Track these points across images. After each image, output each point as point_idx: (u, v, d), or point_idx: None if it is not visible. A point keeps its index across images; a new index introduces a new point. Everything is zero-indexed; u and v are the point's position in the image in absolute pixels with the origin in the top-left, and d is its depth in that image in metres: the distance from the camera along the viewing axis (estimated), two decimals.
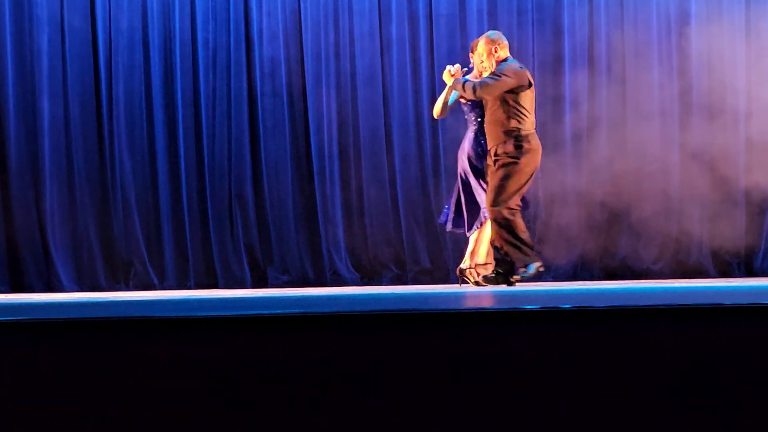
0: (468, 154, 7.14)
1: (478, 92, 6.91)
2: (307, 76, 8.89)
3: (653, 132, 8.64)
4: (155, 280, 8.77)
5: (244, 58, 8.90)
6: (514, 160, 6.92)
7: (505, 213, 6.90)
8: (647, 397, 2.52)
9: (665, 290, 5.25)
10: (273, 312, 2.82)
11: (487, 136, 7.03)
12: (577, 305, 2.71)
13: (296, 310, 2.86)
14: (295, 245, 8.84)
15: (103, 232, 8.77)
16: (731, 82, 8.61)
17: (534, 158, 6.99)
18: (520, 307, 2.72)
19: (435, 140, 8.85)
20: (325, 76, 8.89)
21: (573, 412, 2.52)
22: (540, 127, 8.65)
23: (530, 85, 7.01)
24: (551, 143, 8.24)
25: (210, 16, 8.89)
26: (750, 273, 8.56)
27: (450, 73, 7.09)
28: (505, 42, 7.09)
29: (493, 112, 6.97)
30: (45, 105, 8.70)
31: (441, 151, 8.80)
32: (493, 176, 6.95)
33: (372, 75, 8.88)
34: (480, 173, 7.10)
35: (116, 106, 8.79)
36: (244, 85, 8.89)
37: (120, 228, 8.77)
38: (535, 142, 7.01)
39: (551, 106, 8.69)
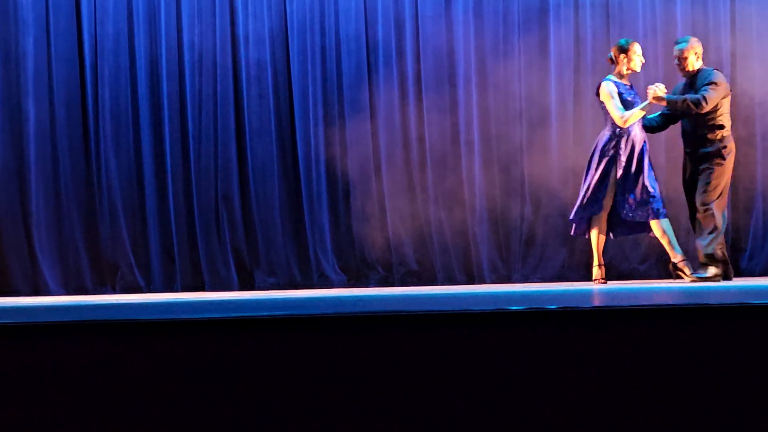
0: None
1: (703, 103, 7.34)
2: (294, 79, 8.88)
3: None
4: (142, 283, 8.74)
5: (230, 61, 8.88)
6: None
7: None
8: (634, 395, 2.53)
9: (651, 290, 5.26)
10: (260, 314, 2.82)
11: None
12: (563, 306, 2.72)
13: (283, 313, 2.86)
14: (281, 247, 8.83)
15: (90, 235, 8.74)
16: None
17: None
18: (507, 308, 2.73)
19: (421, 142, 8.85)
20: (312, 79, 8.88)
21: (561, 411, 2.53)
22: (527, 130, 8.68)
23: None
24: (538, 145, 8.25)
25: (196, 18, 8.87)
26: (736, 273, 8.57)
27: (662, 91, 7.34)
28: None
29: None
30: (30, 108, 8.67)
31: (427, 153, 8.80)
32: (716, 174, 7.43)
33: (358, 77, 8.88)
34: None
35: (102, 109, 8.77)
36: (231, 87, 8.88)
37: (106, 231, 8.75)
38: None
39: (537, 108, 8.70)
